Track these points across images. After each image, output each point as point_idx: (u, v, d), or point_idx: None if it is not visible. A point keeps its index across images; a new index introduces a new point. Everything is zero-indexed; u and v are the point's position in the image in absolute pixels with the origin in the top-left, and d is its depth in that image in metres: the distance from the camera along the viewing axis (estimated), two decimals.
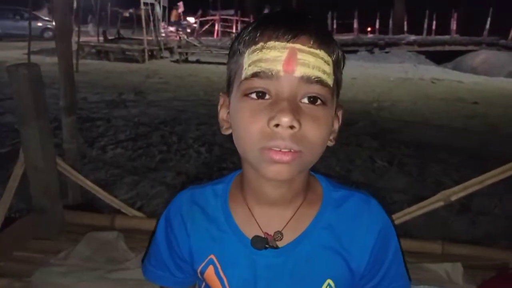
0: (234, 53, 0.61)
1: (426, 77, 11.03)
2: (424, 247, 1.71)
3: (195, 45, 12.43)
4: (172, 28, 17.04)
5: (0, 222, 1.60)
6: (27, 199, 2.00)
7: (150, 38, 12.39)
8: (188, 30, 17.23)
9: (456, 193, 1.59)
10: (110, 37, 13.54)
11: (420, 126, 6.03)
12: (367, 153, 4.59)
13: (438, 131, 5.79)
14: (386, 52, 15.02)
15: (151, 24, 12.39)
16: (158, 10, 12.64)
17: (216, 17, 18.36)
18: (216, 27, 17.97)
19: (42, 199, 1.66)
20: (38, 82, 1.50)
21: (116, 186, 3.49)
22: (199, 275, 0.71)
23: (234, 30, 16.76)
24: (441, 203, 1.60)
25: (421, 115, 6.79)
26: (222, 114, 0.67)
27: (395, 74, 11.27)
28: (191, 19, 17.60)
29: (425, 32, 16.70)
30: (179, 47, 12.29)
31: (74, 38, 8.96)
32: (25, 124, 1.50)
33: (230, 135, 0.64)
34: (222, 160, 4.32)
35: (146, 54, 11.60)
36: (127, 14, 17.64)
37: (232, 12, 19.41)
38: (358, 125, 5.63)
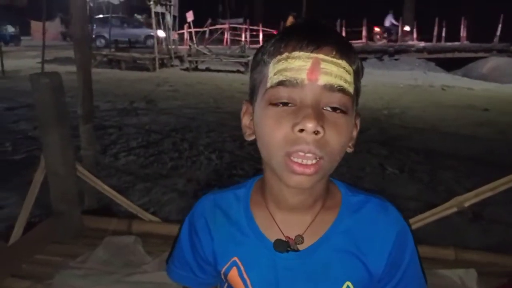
0: (258, 64, 0.64)
1: (436, 84, 10.97)
2: (437, 253, 1.71)
3: (204, 54, 12.53)
4: None
5: (22, 226, 1.65)
6: (43, 205, 2.05)
7: (161, 46, 12.55)
8: None
9: (469, 199, 1.59)
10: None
11: (430, 133, 5.99)
12: (377, 160, 4.58)
13: (448, 138, 5.76)
14: (396, 59, 14.98)
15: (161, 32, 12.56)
16: (169, 19, 12.79)
17: (226, 26, 18.54)
18: (226, 36, 18.14)
19: (61, 204, 1.70)
20: (60, 90, 1.55)
21: (129, 193, 3.53)
22: (222, 276, 0.73)
23: (243, 39, 16.86)
24: (454, 209, 1.61)
25: (430, 122, 6.75)
26: (245, 120, 0.69)
27: (404, 81, 11.22)
28: None
29: (434, 39, 16.64)
30: (189, 55, 12.40)
31: None
32: (46, 131, 1.55)
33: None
34: (232, 167, 4.34)
35: (157, 63, 11.73)
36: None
37: (241, 20, 19.58)
38: (368, 132, 5.63)
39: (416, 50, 15.83)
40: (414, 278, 0.72)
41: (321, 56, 0.58)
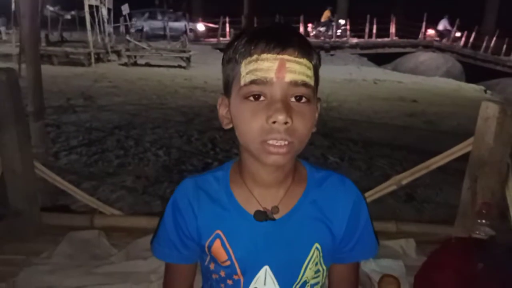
0: (229, 61, 0.75)
1: (368, 78, 11.63)
2: (380, 226, 1.91)
3: (144, 48, 12.25)
4: (321, 29, 17.03)
5: None
6: None
7: (96, 40, 12.07)
8: (339, 33, 17.05)
9: (406, 177, 1.82)
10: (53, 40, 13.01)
11: (366, 125, 6.42)
12: (320, 151, 4.86)
13: (382, 128, 6.21)
14: (332, 55, 15.66)
15: (96, 26, 12.08)
16: (104, 12, 12.32)
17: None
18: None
19: (20, 202, 1.67)
20: (16, 87, 1.53)
21: None
22: (206, 249, 0.83)
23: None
24: (394, 187, 1.82)
25: (366, 114, 7.21)
26: (222, 111, 0.80)
27: (340, 75, 11.77)
28: (342, 21, 17.30)
29: (366, 35, 17.57)
30: (127, 50, 12.05)
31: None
32: (3, 128, 1.53)
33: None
34: (181, 163, 4.37)
35: (93, 57, 11.28)
36: (68, 17, 16.94)
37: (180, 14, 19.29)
38: None
39: (349, 46, 16.67)
40: (369, 239, 0.87)
41: (286, 57, 0.70)
